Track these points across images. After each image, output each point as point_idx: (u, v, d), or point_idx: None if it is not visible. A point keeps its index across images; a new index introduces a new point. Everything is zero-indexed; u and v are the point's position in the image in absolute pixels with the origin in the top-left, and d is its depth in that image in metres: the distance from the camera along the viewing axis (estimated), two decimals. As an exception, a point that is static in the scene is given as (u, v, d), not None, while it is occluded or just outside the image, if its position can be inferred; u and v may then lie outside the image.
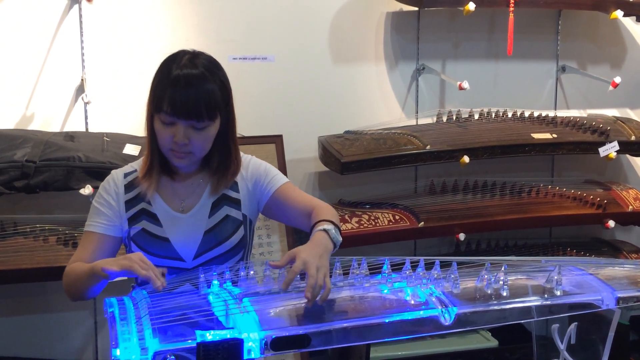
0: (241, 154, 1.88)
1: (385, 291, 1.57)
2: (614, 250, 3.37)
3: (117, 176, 1.83)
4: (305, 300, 1.48)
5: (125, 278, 2.20)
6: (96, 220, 1.78)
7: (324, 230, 1.64)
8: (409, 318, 1.46)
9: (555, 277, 1.60)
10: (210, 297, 1.54)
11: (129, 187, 1.81)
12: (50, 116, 2.88)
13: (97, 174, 2.56)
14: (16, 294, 2.88)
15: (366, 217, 3.00)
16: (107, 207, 1.79)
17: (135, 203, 1.79)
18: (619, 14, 3.21)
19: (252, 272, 1.60)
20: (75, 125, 2.90)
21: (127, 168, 1.85)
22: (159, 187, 1.80)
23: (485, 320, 1.52)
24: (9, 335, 2.92)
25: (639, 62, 3.67)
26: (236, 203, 1.84)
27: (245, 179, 1.86)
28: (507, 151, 3.07)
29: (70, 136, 2.73)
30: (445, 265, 1.61)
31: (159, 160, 1.77)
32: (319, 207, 1.76)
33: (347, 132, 3.17)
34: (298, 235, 2.98)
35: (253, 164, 1.88)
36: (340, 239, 1.66)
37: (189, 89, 1.65)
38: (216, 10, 3.05)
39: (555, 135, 3.15)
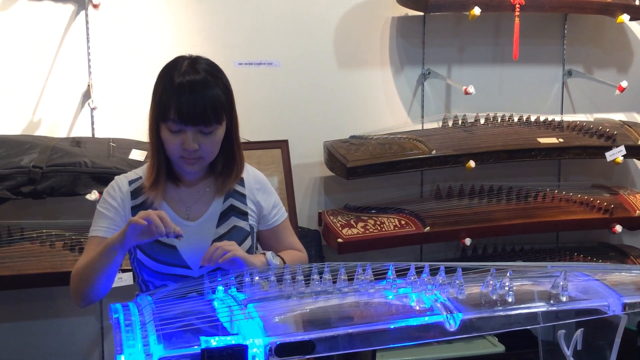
0: (256, 170, 1.93)
1: (390, 297, 1.57)
2: (621, 255, 3.35)
3: (121, 183, 1.83)
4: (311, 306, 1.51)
5: (131, 283, 2.20)
6: (100, 224, 1.79)
7: (263, 253, 1.83)
8: (414, 324, 1.46)
9: (561, 283, 1.60)
10: (215, 303, 1.54)
11: (134, 194, 1.81)
12: (57, 122, 2.89)
13: (103, 179, 2.57)
14: (23, 299, 2.89)
15: (372, 222, 3.00)
16: (112, 211, 1.79)
17: (142, 210, 1.79)
18: (625, 18, 3.20)
19: (256, 278, 1.60)
20: (81, 130, 2.91)
21: (131, 175, 1.86)
22: (165, 194, 1.81)
23: (490, 326, 1.51)
24: (15, 340, 2.92)
25: (646, 66, 3.67)
26: (244, 214, 1.85)
27: (256, 193, 1.88)
28: (513, 156, 3.06)
29: (77, 142, 2.75)
30: (450, 270, 1.61)
31: (165, 169, 1.78)
32: (293, 251, 1.93)
33: (352, 136, 3.17)
34: (303, 240, 2.97)
35: (267, 185, 1.93)
36: (276, 263, 1.80)
37: (195, 95, 1.66)
38: (222, 16, 3.05)
39: (561, 140, 3.14)
